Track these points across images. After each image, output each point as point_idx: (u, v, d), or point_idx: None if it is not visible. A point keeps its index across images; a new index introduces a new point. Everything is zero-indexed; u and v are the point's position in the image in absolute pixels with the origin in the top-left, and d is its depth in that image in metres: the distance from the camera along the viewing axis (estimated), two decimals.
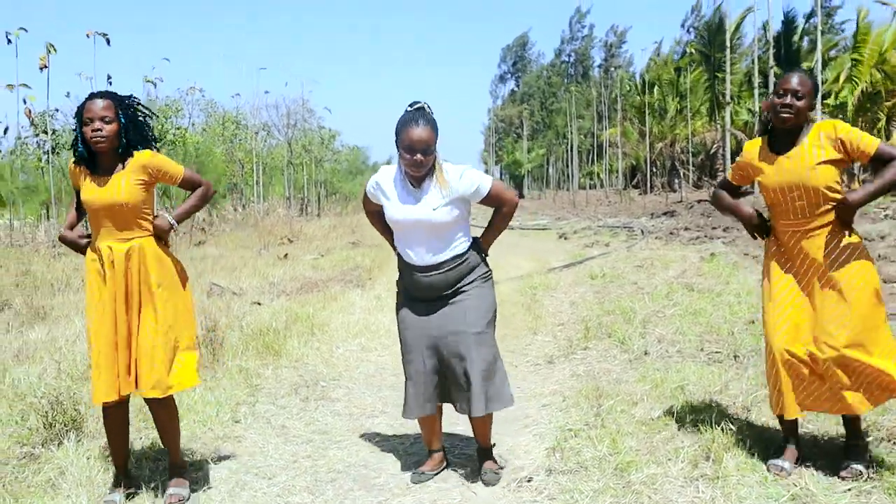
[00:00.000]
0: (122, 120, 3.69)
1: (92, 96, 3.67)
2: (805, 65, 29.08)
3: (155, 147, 3.88)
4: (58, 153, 21.19)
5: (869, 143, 3.56)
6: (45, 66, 15.43)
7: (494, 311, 3.94)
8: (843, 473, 3.58)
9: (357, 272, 12.47)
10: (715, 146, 34.05)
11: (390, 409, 5.33)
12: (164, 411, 3.86)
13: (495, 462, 4.06)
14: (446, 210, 3.74)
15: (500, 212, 3.95)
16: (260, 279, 11.67)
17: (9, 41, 16.47)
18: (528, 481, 3.92)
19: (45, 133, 19.63)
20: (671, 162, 45.78)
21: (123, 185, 3.67)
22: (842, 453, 3.78)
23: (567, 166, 56.17)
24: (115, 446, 3.88)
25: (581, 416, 4.78)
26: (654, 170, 46.97)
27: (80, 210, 3.90)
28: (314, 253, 16.39)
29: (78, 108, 3.69)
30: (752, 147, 3.93)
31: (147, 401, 3.85)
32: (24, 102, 16.90)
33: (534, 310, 8.76)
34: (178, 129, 23.60)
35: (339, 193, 45.38)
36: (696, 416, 4.48)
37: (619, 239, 18.59)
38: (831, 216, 3.64)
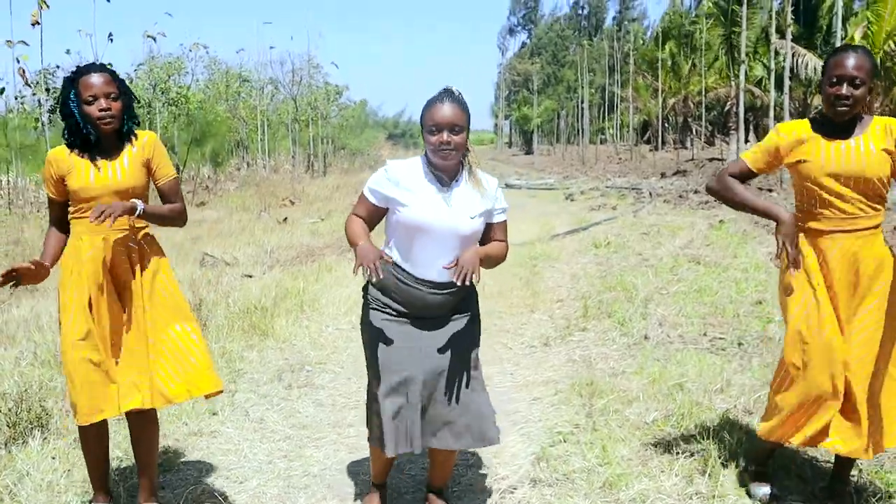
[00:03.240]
0: (126, 95, 3.32)
1: (86, 70, 3.25)
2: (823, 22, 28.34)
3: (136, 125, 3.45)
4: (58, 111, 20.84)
5: None
6: (38, 23, 14.96)
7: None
8: None
9: None
10: (729, 103, 33.33)
11: None
12: (149, 425, 3.48)
13: None
14: (479, 221, 3.20)
15: (497, 244, 3.34)
16: (255, 247, 11.45)
17: None
18: (512, 493, 3.68)
19: (47, 91, 19.28)
20: (683, 118, 45.05)
21: (130, 168, 3.31)
22: (825, 492, 3.43)
23: (577, 121, 55.39)
24: (95, 462, 3.48)
25: (572, 415, 4.53)
26: (667, 126, 46.26)
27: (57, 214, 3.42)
28: (315, 216, 16.14)
29: (68, 84, 3.26)
30: (794, 128, 3.30)
31: (128, 414, 3.42)
32: (18, 62, 16.46)
33: (533, 284, 8.49)
34: (181, 87, 23.17)
35: (346, 149, 45.00)
36: (694, 420, 4.22)
37: (626, 202, 18.26)
38: (881, 218, 3.21)
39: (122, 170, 3.30)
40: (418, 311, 3.23)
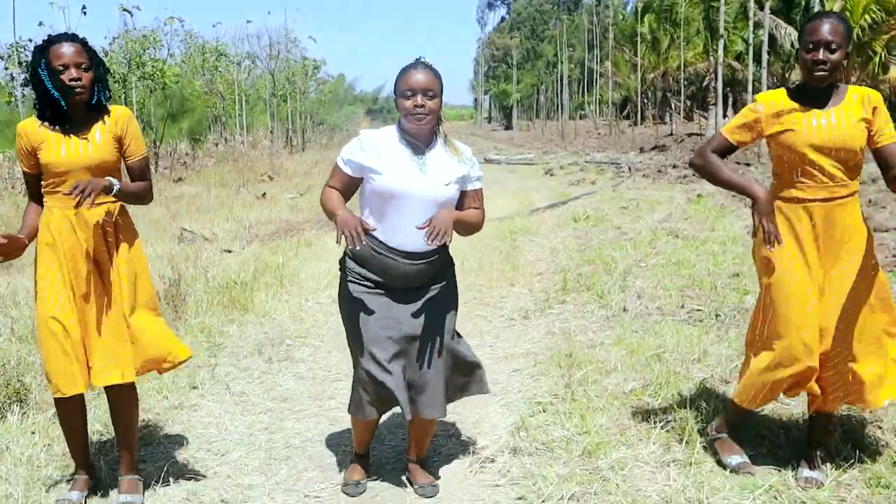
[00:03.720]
0: (98, 66, 3.25)
1: (57, 39, 3.18)
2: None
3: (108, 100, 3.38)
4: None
5: (889, 135, 3.19)
6: None
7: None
8: (802, 485, 3.24)
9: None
10: (708, 78, 33.39)
11: None
12: (126, 397, 3.46)
13: (429, 474, 3.59)
14: (454, 188, 3.22)
15: (475, 211, 3.37)
16: (234, 222, 11.37)
17: None
18: (491, 462, 3.71)
19: (20, 65, 18.93)
20: (663, 93, 45.10)
21: (102, 142, 3.25)
22: (802, 456, 3.44)
23: (557, 97, 55.25)
24: (76, 439, 3.46)
25: (551, 386, 4.56)
26: (646, 101, 46.29)
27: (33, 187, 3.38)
28: (293, 191, 16.06)
29: (38, 54, 3.18)
30: (772, 99, 3.31)
31: (108, 388, 3.42)
32: None
33: (512, 258, 8.51)
34: (156, 61, 22.80)
35: (324, 124, 44.69)
36: (672, 389, 4.27)
37: (605, 176, 18.31)
38: (856, 186, 3.26)
39: (93, 145, 3.25)
40: (394, 281, 3.25)
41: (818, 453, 3.37)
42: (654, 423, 3.90)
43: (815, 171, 3.20)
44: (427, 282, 3.31)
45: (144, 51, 22.39)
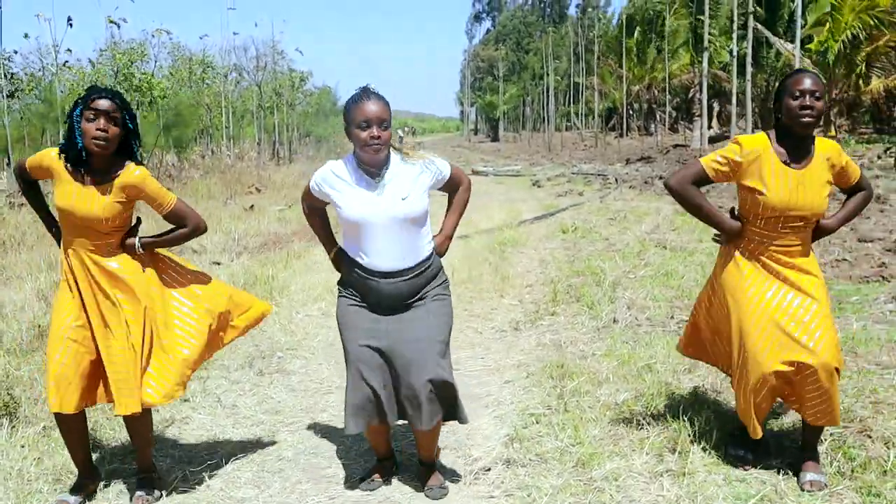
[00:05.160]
0: (127, 125, 3.39)
1: (102, 94, 3.33)
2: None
3: (139, 160, 3.50)
4: (18, 97, 20.42)
5: (855, 172, 3.48)
6: None
7: (451, 324, 3.56)
8: (807, 487, 3.32)
9: None
10: (693, 90, 33.64)
11: None
12: (135, 420, 3.55)
13: (440, 476, 3.67)
14: (416, 198, 3.33)
15: (459, 192, 3.65)
16: (223, 234, 11.34)
17: None
18: (485, 473, 3.71)
19: (4, 77, 18.86)
20: (648, 105, 45.37)
21: (105, 201, 3.36)
22: (800, 460, 3.51)
23: (543, 108, 55.46)
24: (75, 448, 3.55)
25: (544, 397, 4.58)
26: (631, 113, 46.55)
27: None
28: (281, 203, 16.04)
29: (81, 99, 3.34)
30: (757, 146, 3.39)
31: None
32: None
33: (502, 269, 8.53)
34: (144, 73, 22.73)
35: (311, 136, 44.56)
36: (664, 400, 4.29)
37: (592, 188, 18.39)
38: (809, 231, 3.48)
39: (97, 201, 3.35)
40: (383, 302, 3.39)
41: (817, 457, 3.45)
42: (647, 433, 3.91)
43: (782, 226, 3.39)
44: (414, 298, 3.41)
45: (132, 63, 22.31)
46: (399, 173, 3.36)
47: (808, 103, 3.27)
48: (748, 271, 3.45)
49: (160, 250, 3.62)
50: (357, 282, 3.41)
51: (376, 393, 3.36)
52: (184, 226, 3.61)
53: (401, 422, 3.56)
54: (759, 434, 3.45)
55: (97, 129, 3.27)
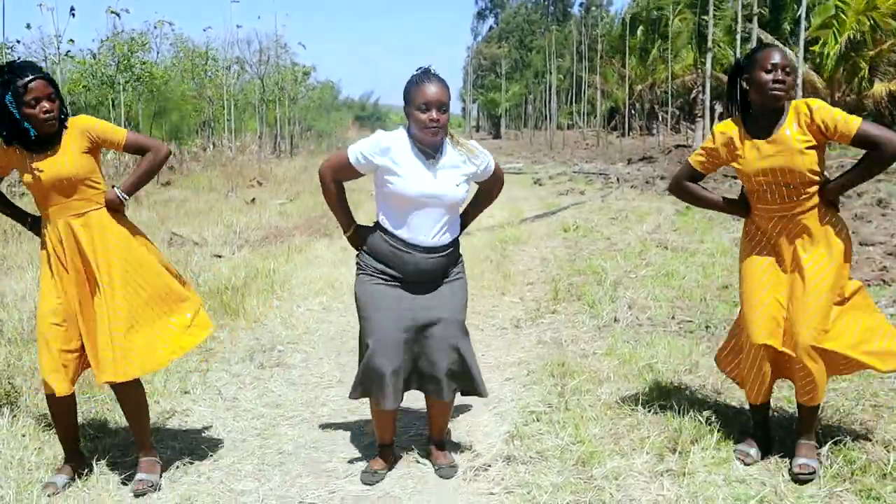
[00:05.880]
0: (58, 95, 3.46)
1: (31, 75, 3.33)
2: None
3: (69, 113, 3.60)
4: None
5: (850, 123, 3.28)
6: None
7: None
8: (797, 471, 3.42)
9: (325, 220, 12.14)
10: (695, 90, 33.56)
11: (348, 377, 5.06)
12: (130, 394, 3.63)
13: (450, 455, 3.81)
14: (464, 187, 3.48)
15: (495, 188, 3.76)
16: (224, 227, 11.34)
17: None
18: (486, 470, 3.72)
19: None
20: (650, 105, 45.30)
21: (69, 157, 3.45)
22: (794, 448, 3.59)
23: (545, 106, 55.37)
24: (64, 430, 3.66)
25: (544, 395, 4.58)
26: (633, 112, 46.48)
27: None
28: (282, 197, 16.04)
29: (7, 84, 3.31)
30: (726, 130, 3.57)
31: (112, 384, 3.59)
32: None
33: (503, 267, 8.53)
34: (144, 62, 22.73)
35: (313, 129, 44.59)
36: (664, 400, 4.28)
37: (594, 187, 18.37)
38: (816, 199, 3.46)
39: (61, 160, 3.43)
40: (412, 276, 3.46)
41: (810, 441, 3.54)
42: (648, 432, 3.91)
43: (771, 194, 3.47)
44: (441, 275, 3.52)
45: (133, 53, 22.30)
46: (451, 158, 3.46)
47: (780, 77, 3.34)
48: (754, 244, 3.61)
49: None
50: (391, 255, 3.45)
51: (387, 378, 3.43)
52: (147, 149, 3.67)
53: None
54: (757, 400, 3.62)
55: (45, 113, 3.34)
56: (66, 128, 3.49)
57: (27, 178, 3.44)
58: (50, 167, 3.42)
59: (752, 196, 3.58)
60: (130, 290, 3.51)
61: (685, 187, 3.78)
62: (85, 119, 3.55)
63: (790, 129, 3.38)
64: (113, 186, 3.65)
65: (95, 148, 3.54)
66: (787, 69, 3.37)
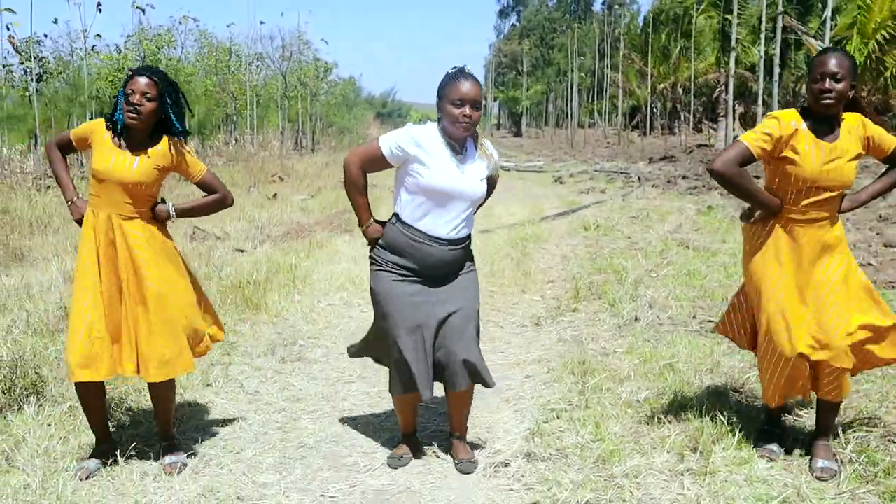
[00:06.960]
0: (164, 102, 3.61)
1: (142, 72, 3.59)
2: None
3: (185, 137, 3.75)
4: (46, 81, 20.59)
5: (890, 141, 3.50)
6: None
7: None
8: (818, 475, 3.46)
9: (346, 215, 12.19)
10: (718, 90, 33.31)
11: (368, 373, 5.12)
12: (163, 388, 3.79)
13: (470, 450, 3.84)
14: (485, 184, 3.61)
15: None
16: (246, 222, 11.41)
17: None
18: (506, 466, 3.73)
19: (31, 60, 19.03)
20: (672, 104, 45.03)
21: (141, 166, 3.59)
22: (812, 449, 3.63)
23: (567, 104, 55.18)
24: (94, 417, 3.77)
25: (565, 392, 4.58)
26: (655, 111, 46.24)
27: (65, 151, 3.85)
28: (304, 193, 16.10)
29: (125, 79, 3.62)
30: (790, 118, 3.44)
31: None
32: (7, 29, 16.32)
33: (523, 265, 8.53)
34: (171, 59, 22.91)
35: (334, 126, 44.64)
36: (685, 399, 4.28)
37: (615, 185, 18.31)
38: (836, 208, 3.54)
39: (133, 166, 3.58)
40: (431, 268, 3.55)
41: (829, 442, 3.57)
42: (669, 431, 3.91)
43: (813, 199, 3.44)
44: (458, 267, 3.63)
45: (159, 49, 22.47)
46: (476, 155, 3.59)
47: (826, 87, 3.34)
48: (777, 249, 3.52)
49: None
50: (410, 248, 3.53)
51: (416, 363, 3.54)
52: (216, 192, 3.87)
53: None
54: (780, 404, 3.66)
55: (130, 104, 3.52)
56: (159, 142, 3.65)
57: (97, 161, 3.57)
58: (120, 163, 3.56)
59: (788, 195, 3.49)
60: (163, 296, 3.63)
61: (740, 171, 3.46)
62: (177, 143, 3.70)
63: (847, 138, 3.43)
64: (163, 200, 3.78)
65: (170, 169, 3.70)
66: (839, 76, 3.34)
